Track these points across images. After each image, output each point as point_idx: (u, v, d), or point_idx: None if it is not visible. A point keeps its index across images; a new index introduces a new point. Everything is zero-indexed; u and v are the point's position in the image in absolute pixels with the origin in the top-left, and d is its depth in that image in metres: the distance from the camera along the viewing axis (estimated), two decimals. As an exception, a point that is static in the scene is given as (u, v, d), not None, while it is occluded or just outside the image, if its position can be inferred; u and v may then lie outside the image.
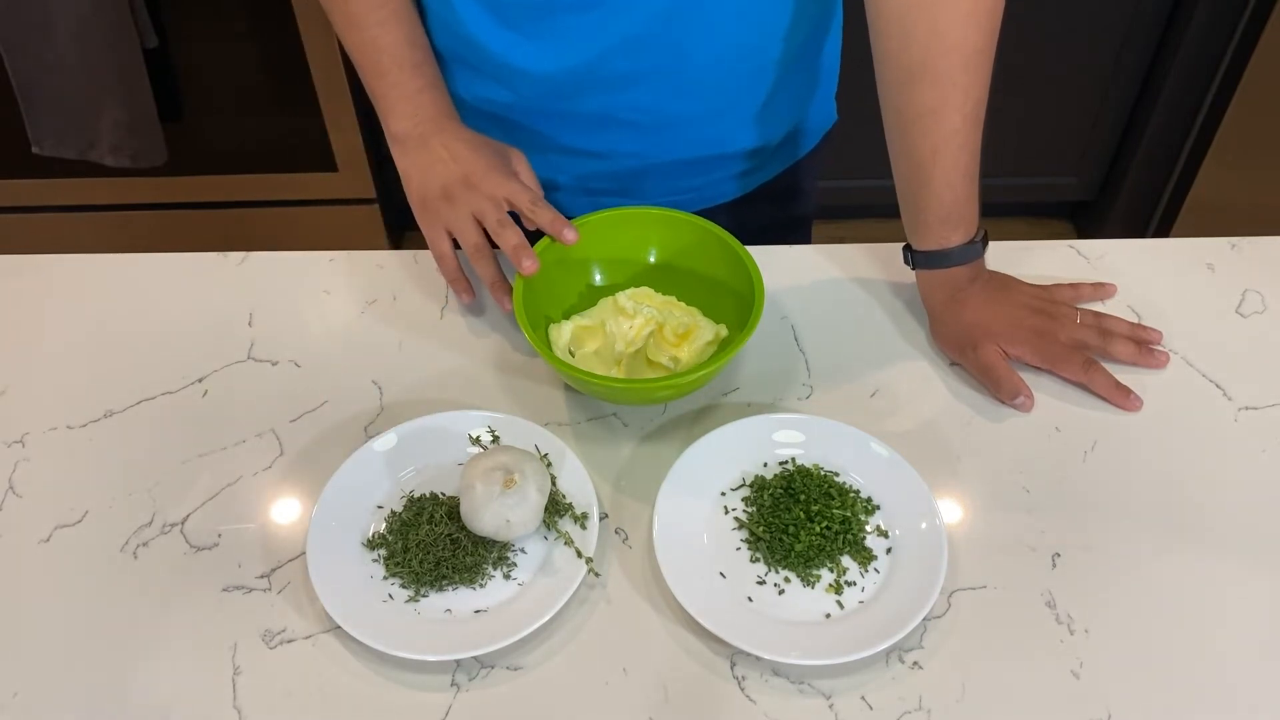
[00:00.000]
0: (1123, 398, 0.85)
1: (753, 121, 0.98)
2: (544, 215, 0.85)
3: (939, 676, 0.70)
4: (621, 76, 0.91)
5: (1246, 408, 0.86)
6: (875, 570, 0.75)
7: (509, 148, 0.92)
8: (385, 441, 0.81)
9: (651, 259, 0.91)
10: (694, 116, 0.96)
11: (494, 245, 0.87)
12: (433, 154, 0.89)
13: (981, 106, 0.82)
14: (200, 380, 0.88)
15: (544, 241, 0.86)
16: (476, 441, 0.82)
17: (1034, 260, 0.97)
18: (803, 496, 0.78)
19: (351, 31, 0.90)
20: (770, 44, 0.92)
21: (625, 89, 0.92)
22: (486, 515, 0.73)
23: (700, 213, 0.89)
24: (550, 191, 1.02)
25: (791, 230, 1.14)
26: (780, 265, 0.96)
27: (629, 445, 0.84)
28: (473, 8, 0.90)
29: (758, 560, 0.76)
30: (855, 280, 0.96)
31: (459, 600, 0.74)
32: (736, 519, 0.78)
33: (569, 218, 0.87)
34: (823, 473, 0.80)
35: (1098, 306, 0.93)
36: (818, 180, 1.14)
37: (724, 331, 0.87)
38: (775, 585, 0.75)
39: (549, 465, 0.80)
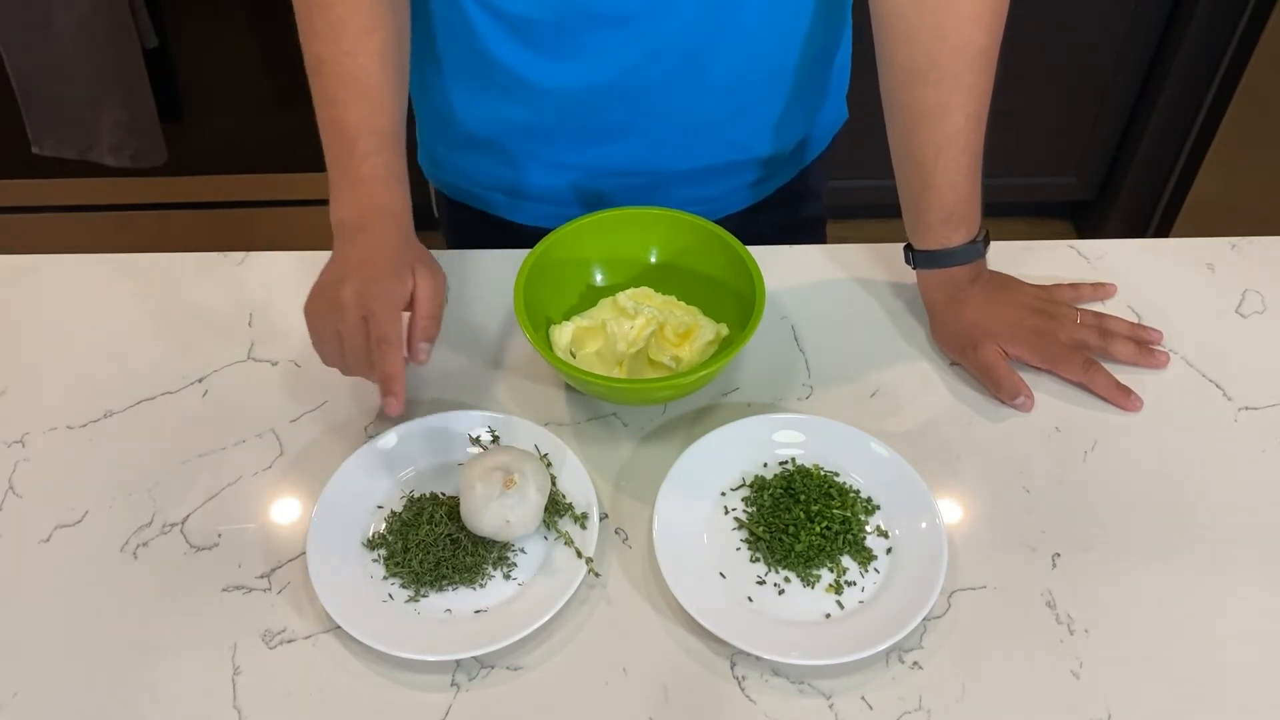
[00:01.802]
0: (1123, 398, 0.85)
1: (770, 127, 0.98)
2: (381, 367, 0.75)
3: (939, 676, 0.70)
4: (643, 88, 0.90)
5: (1246, 408, 0.86)
6: (875, 570, 0.75)
7: (420, 267, 0.80)
8: (385, 441, 0.81)
9: (652, 259, 0.91)
10: (712, 122, 0.95)
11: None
12: (340, 265, 0.81)
13: (985, 106, 0.82)
14: (200, 380, 0.88)
15: (544, 242, 0.86)
16: (476, 441, 0.82)
17: (1034, 260, 0.97)
18: (803, 496, 0.78)
19: (320, 106, 0.85)
20: (789, 49, 0.92)
21: (645, 99, 0.92)
22: (486, 515, 0.73)
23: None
24: (560, 206, 1.01)
25: (802, 232, 1.14)
26: (780, 265, 0.96)
27: (629, 445, 0.84)
28: (494, 26, 0.88)
29: (758, 560, 0.76)
30: (856, 280, 0.96)
31: (459, 600, 0.74)
32: (736, 519, 0.78)
33: None
34: (823, 473, 0.80)
35: (1098, 306, 0.93)
36: (827, 180, 1.14)
37: (725, 330, 0.87)
38: (775, 585, 0.75)
39: (549, 465, 0.80)
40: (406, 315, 0.78)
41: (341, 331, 0.76)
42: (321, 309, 0.78)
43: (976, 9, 0.79)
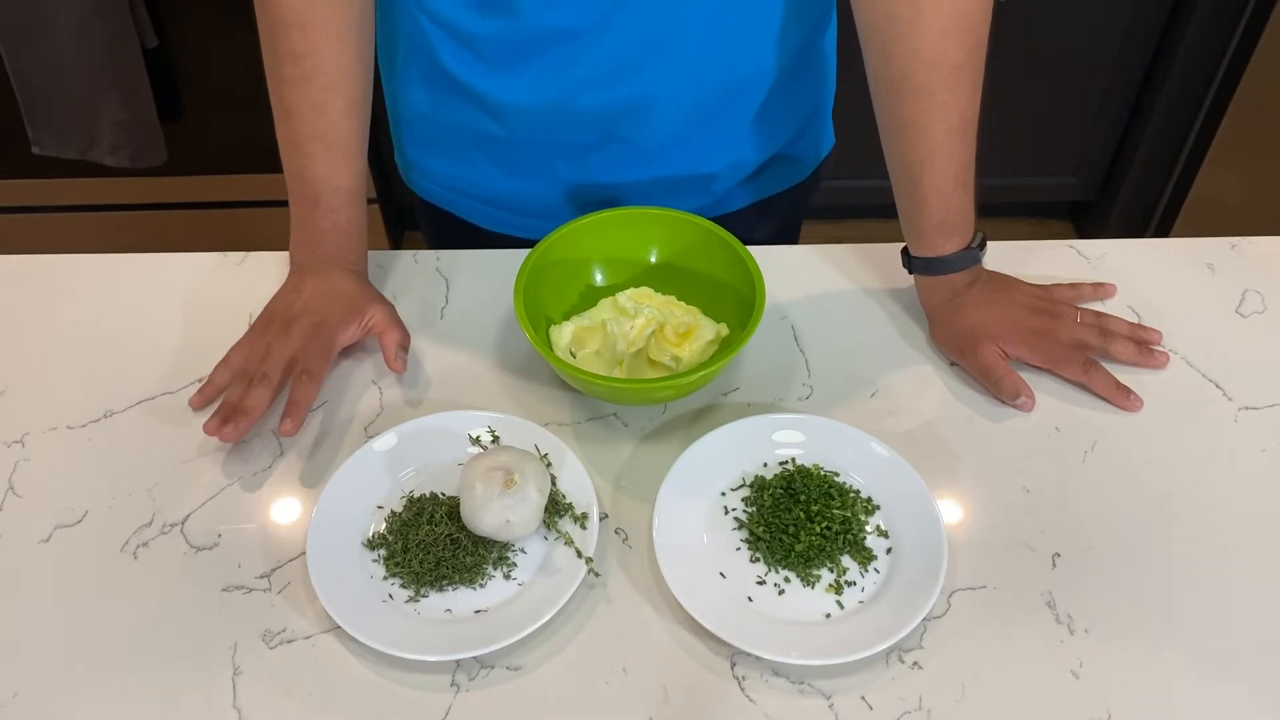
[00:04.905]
0: (1123, 398, 0.85)
1: (734, 141, 0.98)
2: (294, 392, 0.82)
3: (939, 676, 0.70)
4: (596, 108, 0.91)
5: (1246, 408, 0.86)
6: (875, 570, 0.76)
7: (372, 304, 0.88)
8: (385, 441, 0.81)
9: (652, 259, 0.91)
10: (671, 139, 0.95)
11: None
12: (296, 288, 0.89)
13: (967, 119, 0.82)
14: (200, 380, 0.88)
15: (544, 242, 0.86)
16: (476, 441, 0.82)
17: (1034, 260, 0.97)
18: (803, 496, 0.78)
19: (286, 150, 0.89)
20: (744, 65, 0.92)
21: (600, 119, 0.92)
22: (486, 515, 0.73)
23: None
24: (527, 216, 1.02)
25: (779, 241, 1.14)
26: (780, 265, 0.96)
27: (629, 445, 0.84)
28: (449, 43, 0.90)
29: (758, 560, 0.76)
30: (855, 280, 0.96)
31: (459, 600, 0.74)
32: (736, 519, 0.78)
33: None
34: (823, 473, 0.80)
35: (1098, 306, 0.93)
36: (811, 199, 1.14)
37: (725, 330, 0.87)
38: (775, 585, 0.75)
39: (549, 465, 0.80)
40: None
41: (271, 347, 0.84)
42: (272, 327, 0.86)
43: (946, 26, 0.78)
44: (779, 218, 1.10)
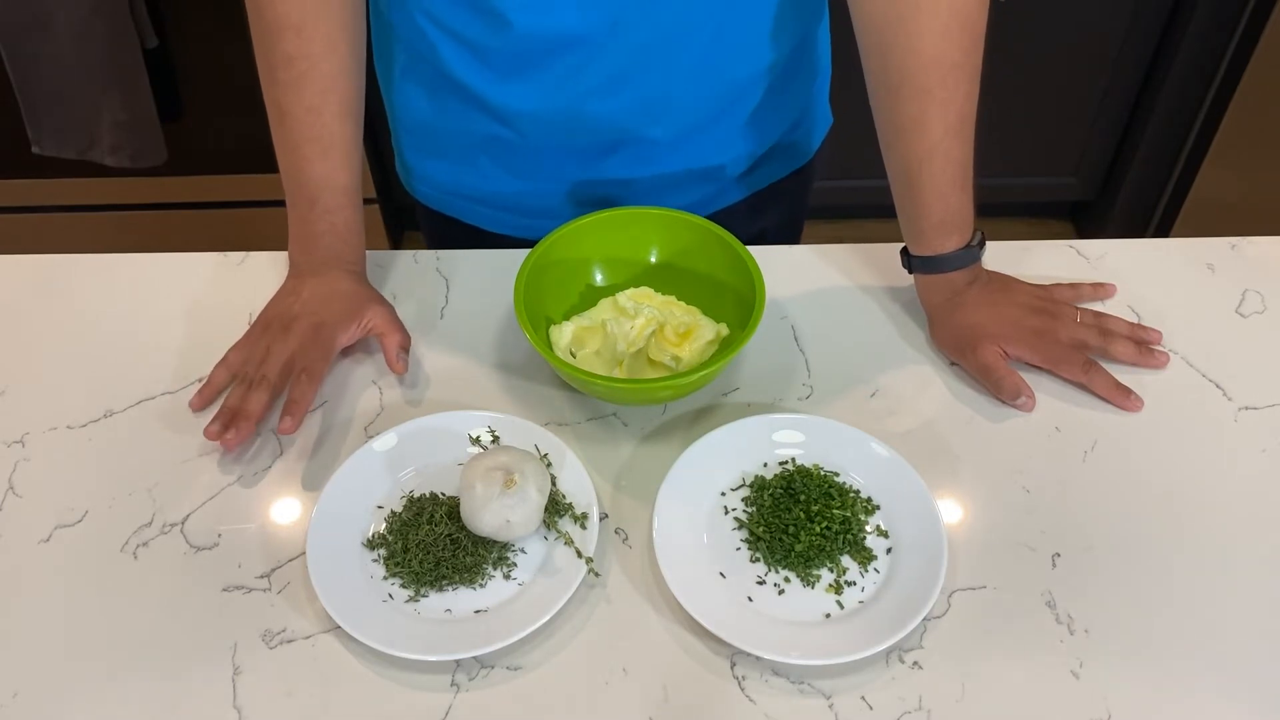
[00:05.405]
0: (1123, 398, 0.85)
1: (735, 135, 0.98)
2: (293, 391, 0.82)
3: (939, 676, 0.70)
4: (604, 112, 0.91)
5: (1246, 408, 0.86)
6: (875, 570, 0.76)
7: (371, 305, 0.89)
8: (385, 441, 0.81)
9: (652, 259, 0.91)
10: (676, 138, 0.95)
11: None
12: (295, 290, 0.89)
13: (964, 118, 0.82)
14: (200, 380, 0.88)
15: (544, 242, 0.86)
16: (476, 441, 0.82)
17: (1034, 260, 0.97)
18: (803, 496, 0.78)
19: (283, 153, 0.89)
20: (747, 63, 0.92)
21: (607, 122, 0.92)
22: (486, 515, 0.73)
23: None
24: (531, 217, 1.02)
25: (784, 232, 1.14)
26: (780, 265, 0.96)
27: (629, 445, 0.84)
28: (455, 49, 0.89)
29: (758, 560, 0.76)
30: (855, 280, 0.96)
31: (459, 600, 0.74)
32: (736, 519, 0.78)
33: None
34: (823, 473, 0.80)
35: (1098, 306, 0.93)
36: (813, 184, 1.14)
37: (725, 330, 0.87)
38: (775, 585, 0.75)
39: (549, 465, 0.80)
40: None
41: (270, 349, 0.85)
42: (271, 329, 0.86)
43: (945, 24, 0.79)
44: (783, 205, 1.10)
